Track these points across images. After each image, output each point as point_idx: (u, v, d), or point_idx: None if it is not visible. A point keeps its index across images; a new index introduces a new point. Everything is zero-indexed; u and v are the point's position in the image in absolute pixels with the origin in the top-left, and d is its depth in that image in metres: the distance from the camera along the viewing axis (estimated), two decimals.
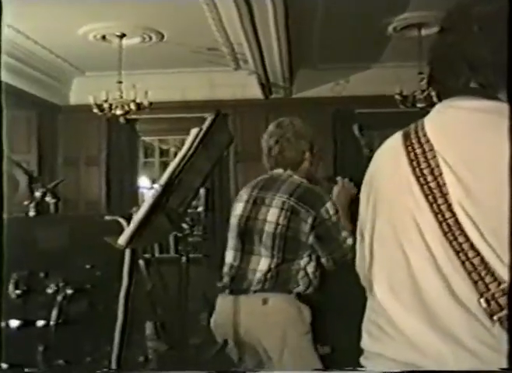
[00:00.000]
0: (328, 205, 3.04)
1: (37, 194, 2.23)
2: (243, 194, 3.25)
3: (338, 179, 3.42)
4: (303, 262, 3.05)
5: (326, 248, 3.04)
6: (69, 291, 2.77)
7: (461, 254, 1.22)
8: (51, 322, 2.68)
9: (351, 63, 7.94)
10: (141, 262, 4.44)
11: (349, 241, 3.01)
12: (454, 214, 1.24)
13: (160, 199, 1.40)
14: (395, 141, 1.42)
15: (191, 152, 1.38)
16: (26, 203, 2.58)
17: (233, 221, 3.20)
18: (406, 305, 1.30)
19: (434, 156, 1.30)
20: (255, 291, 3.01)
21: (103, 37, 6.88)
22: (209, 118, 1.41)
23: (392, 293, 1.33)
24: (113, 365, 1.82)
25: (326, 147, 7.96)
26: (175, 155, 7.65)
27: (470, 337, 1.22)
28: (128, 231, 1.42)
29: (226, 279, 3.15)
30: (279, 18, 5.73)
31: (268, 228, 3.03)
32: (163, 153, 9.44)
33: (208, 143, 1.44)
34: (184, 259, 3.50)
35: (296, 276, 3.04)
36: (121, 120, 7.21)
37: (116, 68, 7.13)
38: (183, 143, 6.40)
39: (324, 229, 3.02)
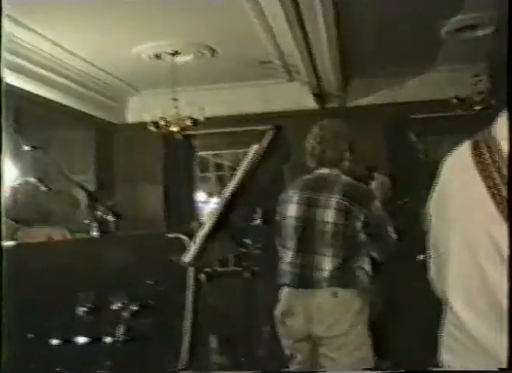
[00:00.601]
0: (376, 201, 3.28)
1: (99, 213, 2.25)
2: (293, 195, 3.37)
3: (376, 175, 3.57)
4: (360, 258, 3.27)
5: (377, 242, 3.29)
6: (134, 308, 2.81)
7: None
8: (118, 338, 2.71)
9: (404, 68, 7.85)
10: (202, 276, 4.47)
11: (394, 235, 3.27)
12: None
13: (223, 216, 1.40)
14: (463, 151, 1.38)
15: (252, 168, 1.38)
16: (86, 221, 2.62)
17: (289, 222, 3.34)
18: (483, 316, 1.27)
19: (505, 164, 1.26)
20: (324, 287, 3.22)
21: (157, 56, 6.97)
22: (269, 134, 1.41)
23: (469, 306, 1.30)
24: None
25: (380, 153, 7.91)
26: (231, 169, 7.71)
27: None
28: (193, 249, 1.43)
29: (288, 277, 3.32)
30: (330, 26, 5.72)
31: (328, 228, 3.21)
32: (219, 167, 9.50)
33: (267, 158, 1.44)
34: (246, 273, 3.53)
35: (356, 272, 3.25)
36: (178, 136, 7.28)
37: (170, 85, 7.21)
38: (238, 157, 6.42)
39: (374, 224, 3.25)
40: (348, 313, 3.24)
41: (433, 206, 1.46)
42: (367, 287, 3.30)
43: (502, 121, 1.33)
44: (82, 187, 5.45)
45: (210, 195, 8.79)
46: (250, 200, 1.55)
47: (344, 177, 3.35)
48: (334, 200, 3.22)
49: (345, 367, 3.19)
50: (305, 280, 3.27)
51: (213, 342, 5.15)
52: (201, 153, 9.30)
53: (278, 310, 3.40)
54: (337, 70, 7.11)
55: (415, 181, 6.91)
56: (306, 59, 6.57)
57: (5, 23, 5.02)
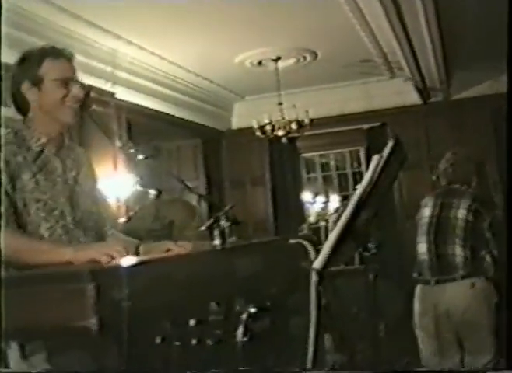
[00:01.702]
0: (498, 209, 3.95)
1: (221, 222, 2.33)
2: (428, 201, 4.14)
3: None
4: (485, 251, 3.88)
5: (497, 242, 3.85)
6: (252, 310, 2.91)
7: None
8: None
9: (507, 58, 7.65)
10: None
11: None
12: None
13: (349, 222, 1.48)
14: None
15: (375, 177, 1.46)
16: (202, 228, 2.70)
17: (424, 221, 4.05)
18: None
19: None
20: (463, 277, 3.85)
21: (260, 62, 7.13)
22: (389, 145, 1.48)
23: None
24: None
25: (488, 146, 7.74)
26: (336, 168, 7.72)
27: None
28: (323, 254, 1.52)
29: (425, 270, 3.97)
30: (431, 21, 5.68)
31: (460, 223, 3.92)
32: (324, 167, 9.54)
33: (387, 166, 1.52)
34: (370, 274, 3.72)
35: (483, 262, 3.89)
36: (284, 140, 7.40)
37: (273, 90, 7.36)
38: (343, 156, 6.45)
39: (497, 228, 3.86)
40: (485, 302, 3.84)
41: None
42: (492, 276, 3.87)
43: None
44: (200, 194, 5.64)
45: (317, 195, 8.83)
46: (373, 206, 1.62)
47: (471, 190, 4.06)
48: (466, 203, 3.95)
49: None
50: (439, 266, 3.92)
51: (328, 340, 5.21)
52: (307, 154, 9.35)
53: (416, 306, 4.05)
54: (440, 64, 7.04)
55: None
56: (408, 55, 6.54)
57: (109, 39, 5.27)
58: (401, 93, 8.23)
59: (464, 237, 3.90)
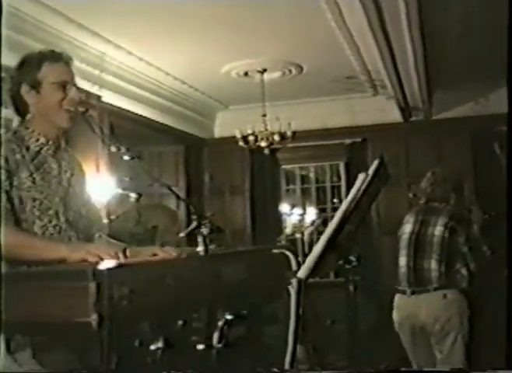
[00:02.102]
0: (475, 226, 4.33)
1: (203, 229, 2.35)
2: (410, 218, 4.39)
3: (473, 208, 4.68)
4: (459, 265, 4.16)
5: (474, 256, 4.15)
6: (229, 317, 2.96)
7: None
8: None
9: (490, 80, 7.79)
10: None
11: (488, 252, 4.16)
12: None
13: (334, 235, 1.56)
14: None
15: (359, 194, 1.54)
16: (182, 234, 2.73)
17: (405, 236, 4.33)
18: None
19: None
20: (436, 289, 4.10)
21: (246, 73, 7.22)
22: (375, 164, 1.56)
23: None
24: None
25: (466, 167, 7.89)
26: (316, 181, 7.79)
27: None
28: (308, 264, 1.59)
29: (403, 282, 4.22)
30: (416, 41, 5.80)
31: (436, 240, 4.18)
32: (304, 179, 9.62)
33: (371, 184, 1.60)
34: (350, 286, 3.81)
35: (456, 275, 4.15)
36: (266, 151, 7.47)
37: (257, 101, 7.45)
38: (323, 169, 6.51)
39: (473, 243, 4.18)
40: (457, 313, 4.10)
41: None
42: (466, 288, 4.15)
43: None
44: (182, 199, 5.66)
45: (294, 207, 8.90)
46: (354, 220, 1.70)
47: (449, 208, 4.29)
48: (443, 220, 4.19)
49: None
50: (417, 285, 4.16)
51: (300, 351, 5.25)
52: (287, 166, 9.44)
53: (395, 315, 4.31)
54: (422, 84, 7.17)
55: (500, 194, 6.87)
56: (392, 75, 6.67)
57: (99, 43, 5.31)
58: (383, 110, 8.37)
59: (440, 252, 4.17)
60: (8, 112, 2.28)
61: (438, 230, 4.19)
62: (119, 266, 1.54)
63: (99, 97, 6.41)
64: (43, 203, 2.17)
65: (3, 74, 2.18)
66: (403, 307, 4.28)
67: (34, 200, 2.14)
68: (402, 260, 4.30)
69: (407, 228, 4.37)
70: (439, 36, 6.03)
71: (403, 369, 3.90)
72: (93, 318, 1.31)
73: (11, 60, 2.25)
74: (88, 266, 1.49)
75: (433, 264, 4.16)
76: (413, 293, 4.18)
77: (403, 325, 4.29)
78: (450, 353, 4.12)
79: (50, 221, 2.17)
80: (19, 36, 4.86)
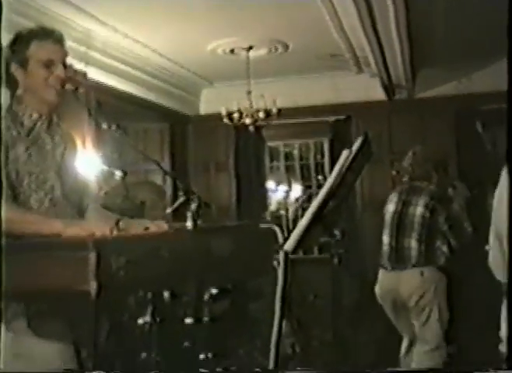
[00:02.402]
0: (455, 205, 4.46)
1: (192, 204, 2.39)
2: (393, 197, 4.56)
3: (457, 183, 4.85)
4: (440, 242, 4.34)
5: (454, 234, 4.33)
6: (214, 291, 3.03)
7: None
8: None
9: (473, 60, 7.87)
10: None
11: (470, 229, 4.35)
12: None
13: (319, 210, 1.62)
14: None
15: (343, 170, 1.60)
16: (168, 210, 2.75)
17: (388, 215, 4.51)
18: None
19: None
20: (414, 266, 4.31)
21: (232, 51, 7.24)
22: (359, 141, 1.63)
23: None
24: (271, 361, 1.94)
25: (450, 145, 7.98)
26: (300, 158, 7.85)
27: None
28: (294, 237, 1.66)
29: (385, 259, 4.45)
30: (401, 20, 5.83)
31: (417, 219, 4.34)
32: (288, 157, 9.67)
33: (355, 161, 1.66)
34: (334, 260, 3.93)
35: (436, 253, 4.34)
36: (251, 128, 7.51)
37: (242, 78, 7.48)
38: (308, 146, 6.58)
39: (453, 221, 4.35)
40: (434, 289, 4.31)
41: (497, 200, 1.68)
42: (444, 265, 4.37)
43: None
44: (169, 174, 5.69)
45: (279, 183, 8.95)
46: (341, 196, 1.77)
47: (431, 187, 4.46)
48: (424, 200, 4.37)
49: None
50: (397, 261, 4.38)
51: (286, 325, 5.35)
52: (272, 143, 9.48)
53: (377, 289, 4.52)
54: (406, 62, 7.22)
55: (483, 172, 6.98)
56: (376, 52, 6.71)
57: (85, 19, 5.30)
58: (367, 88, 8.40)
59: (420, 232, 4.35)
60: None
61: (419, 210, 4.36)
62: (117, 238, 1.61)
63: (84, 74, 6.40)
64: (39, 177, 2.23)
65: None
66: (385, 282, 4.49)
67: (30, 174, 2.20)
68: (385, 238, 4.50)
69: (390, 207, 4.55)
70: (423, 13, 6.08)
71: (403, 369, 4.02)
72: (93, 286, 1.38)
73: None
74: (88, 237, 1.55)
75: (413, 243, 4.34)
76: (393, 269, 4.41)
77: (385, 299, 4.50)
78: (425, 328, 4.33)
79: (46, 195, 2.24)
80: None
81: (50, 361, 2.03)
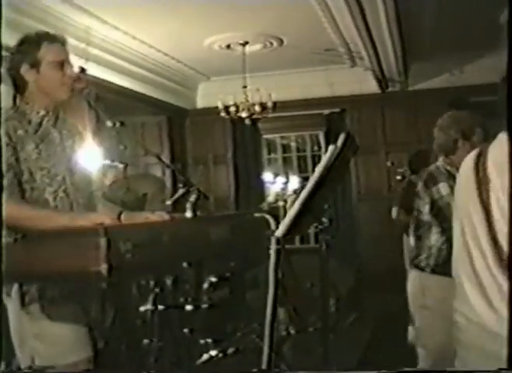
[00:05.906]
0: (440, 185, 3.26)
1: (192, 196, 2.52)
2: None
3: None
4: (433, 239, 3.38)
5: (439, 225, 3.33)
6: (213, 279, 3.17)
7: None
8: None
9: (464, 52, 8.00)
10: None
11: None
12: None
13: (308, 199, 1.79)
14: (471, 158, 1.76)
15: (329, 163, 1.76)
16: (168, 202, 2.87)
17: None
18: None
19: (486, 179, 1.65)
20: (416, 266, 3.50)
21: (228, 46, 7.41)
22: (342, 137, 1.78)
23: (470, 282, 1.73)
24: (266, 344, 1.94)
25: None
26: (297, 150, 7.97)
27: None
28: (285, 224, 1.81)
29: None
30: (390, 14, 5.95)
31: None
32: (285, 149, 9.81)
33: (341, 154, 1.82)
34: (323, 246, 3.99)
35: (430, 251, 3.39)
36: (247, 121, 7.66)
37: (238, 72, 7.64)
38: (304, 139, 6.73)
39: (437, 208, 3.30)
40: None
41: (456, 194, 1.86)
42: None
43: (497, 142, 1.69)
44: (171, 167, 5.79)
45: (277, 175, 9.08)
46: (327, 185, 1.92)
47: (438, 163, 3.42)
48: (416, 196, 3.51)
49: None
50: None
51: (282, 313, 5.46)
52: (268, 136, 9.65)
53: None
54: (398, 56, 7.36)
55: None
56: (368, 46, 6.85)
57: (84, 17, 5.41)
58: (360, 82, 8.57)
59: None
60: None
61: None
62: (124, 225, 1.80)
63: (84, 70, 6.52)
64: (51, 171, 2.37)
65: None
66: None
67: (42, 169, 2.34)
68: None
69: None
70: (414, 8, 6.22)
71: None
72: (104, 267, 1.57)
73: None
74: (98, 225, 1.73)
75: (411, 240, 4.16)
76: None
77: None
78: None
79: (59, 186, 2.38)
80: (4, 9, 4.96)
81: (66, 342, 2.21)
